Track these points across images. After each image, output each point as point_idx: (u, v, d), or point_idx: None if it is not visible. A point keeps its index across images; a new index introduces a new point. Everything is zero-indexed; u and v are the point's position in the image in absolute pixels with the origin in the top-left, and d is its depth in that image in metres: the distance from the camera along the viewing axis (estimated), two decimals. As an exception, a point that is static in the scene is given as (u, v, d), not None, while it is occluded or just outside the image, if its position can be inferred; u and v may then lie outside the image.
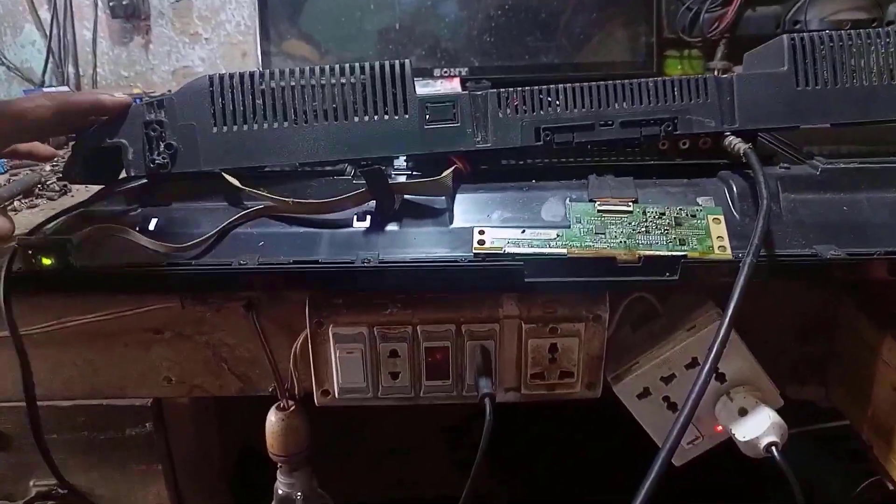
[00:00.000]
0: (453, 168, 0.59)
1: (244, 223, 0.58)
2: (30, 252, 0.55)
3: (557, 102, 0.60)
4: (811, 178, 0.60)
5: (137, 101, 0.60)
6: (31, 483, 0.70)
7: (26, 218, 0.69)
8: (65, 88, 1.18)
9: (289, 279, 0.56)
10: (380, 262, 0.55)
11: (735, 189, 0.58)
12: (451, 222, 0.58)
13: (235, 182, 0.59)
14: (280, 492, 0.69)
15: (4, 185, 0.79)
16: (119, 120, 0.59)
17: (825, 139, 0.66)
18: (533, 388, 0.63)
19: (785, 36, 0.60)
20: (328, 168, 0.63)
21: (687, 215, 0.57)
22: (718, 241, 0.55)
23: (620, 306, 0.62)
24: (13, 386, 0.59)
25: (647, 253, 0.55)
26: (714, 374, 0.51)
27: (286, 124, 0.59)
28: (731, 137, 0.60)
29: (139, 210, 0.61)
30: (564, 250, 0.55)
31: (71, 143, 0.64)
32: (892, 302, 0.61)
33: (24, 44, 1.22)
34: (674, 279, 0.54)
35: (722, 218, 0.56)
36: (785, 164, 0.62)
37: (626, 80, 0.60)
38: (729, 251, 0.54)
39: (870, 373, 0.62)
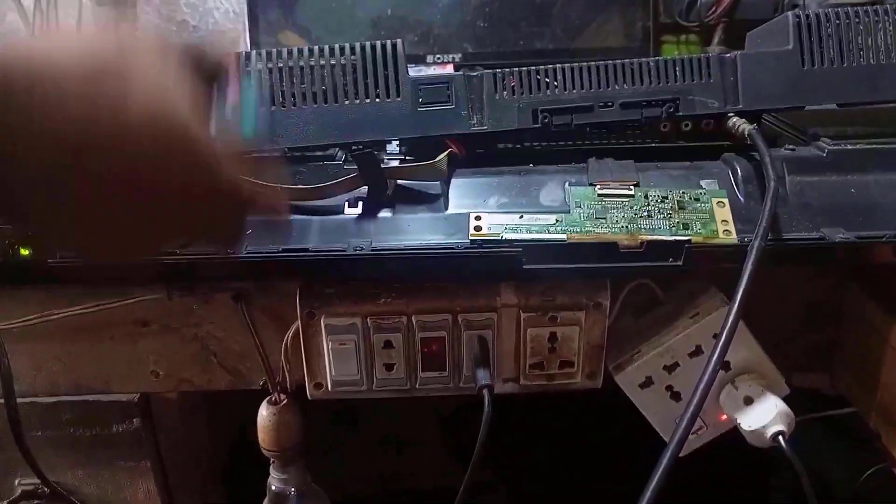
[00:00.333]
0: (448, 152, 0.57)
1: (231, 211, 0.56)
2: (7, 242, 0.53)
3: (556, 83, 0.58)
4: (818, 159, 0.58)
5: None
6: (16, 482, 0.69)
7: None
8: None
9: (278, 268, 0.54)
10: (373, 250, 0.53)
11: (739, 171, 0.56)
12: (447, 208, 0.56)
13: (222, 168, 0.56)
14: (273, 487, 0.67)
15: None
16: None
17: (830, 120, 0.64)
18: (532, 379, 0.61)
19: (790, 13, 0.58)
20: (318, 153, 0.61)
21: (690, 199, 0.55)
22: (723, 224, 0.53)
23: (622, 293, 0.61)
24: (-7, 382, 0.57)
25: (650, 238, 0.53)
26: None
27: (274, 107, 0.57)
28: (735, 118, 0.58)
29: (122, 198, 0.58)
30: (564, 236, 0.53)
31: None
32: (901, 286, 0.60)
33: (5, 33, 1.19)
34: (677, 264, 0.53)
35: (726, 201, 0.54)
36: (790, 146, 0.60)
37: (627, 60, 0.58)
38: (734, 235, 0.53)
39: (878, 359, 0.60)
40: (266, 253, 0.53)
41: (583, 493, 1.11)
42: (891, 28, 0.58)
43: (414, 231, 0.55)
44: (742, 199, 0.56)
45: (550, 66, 0.58)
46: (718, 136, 0.60)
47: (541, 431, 1.13)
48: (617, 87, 0.58)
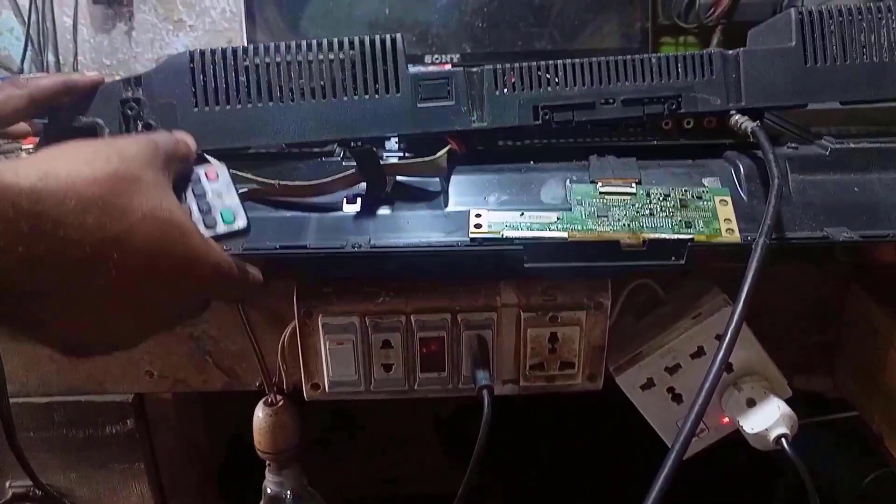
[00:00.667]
0: (448, 148, 0.56)
1: (228, 207, 0.55)
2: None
3: (556, 80, 0.57)
4: (820, 158, 0.57)
5: None
6: (8, 484, 0.68)
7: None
8: (42, 75, 1.14)
9: (275, 266, 0.53)
10: (371, 248, 0.52)
11: (742, 169, 0.56)
12: (446, 205, 0.55)
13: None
14: (269, 490, 0.66)
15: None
16: (90, 97, 0.55)
17: (833, 119, 0.64)
18: (532, 380, 0.60)
19: (792, 10, 0.58)
20: (316, 149, 0.60)
21: (692, 197, 0.54)
22: (726, 223, 0.53)
23: (623, 293, 0.60)
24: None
25: (652, 236, 0.52)
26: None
27: (271, 103, 0.56)
28: (738, 116, 0.57)
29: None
30: (565, 234, 0.52)
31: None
32: (905, 287, 0.59)
33: (1, 31, 1.18)
34: (680, 263, 0.52)
35: (729, 199, 0.54)
36: (793, 144, 0.59)
37: (629, 57, 0.57)
38: (737, 234, 0.52)
39: (881, 362, 0.60)
40: (263, 250, 0.52)
41: (583, 496, 1.10)
42: (894, 25, 0.57)
43: (413, 228, 0.54)
44: (745, 197, 0.55)
45: (551, 62, 0.57)
46: (721, 134, 0.60)
47: (540, 433, 1.13)
48: (619, 83, 0.57)
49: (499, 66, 0.57)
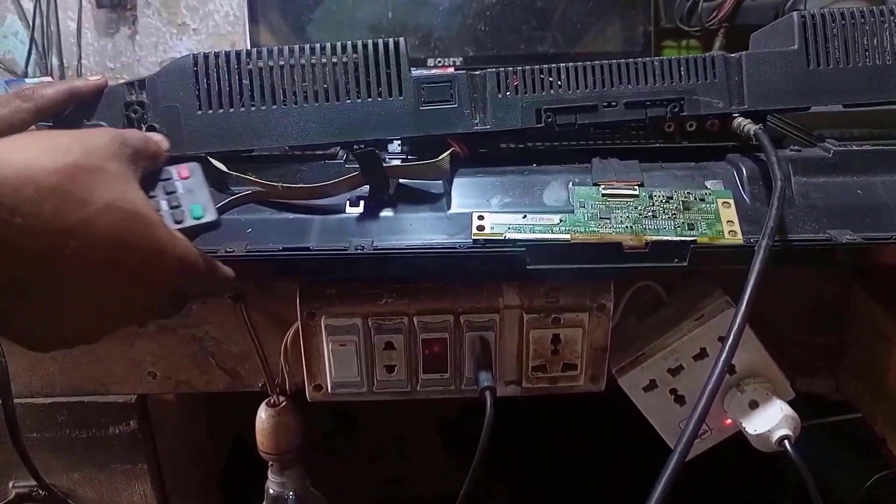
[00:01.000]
0: (450, 151, 0.57)
1: (231, 209, 0.55)
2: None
3: (559, 83, 0.57)
4: (823, 160, 0.57)
5: None
6: (11, 484, 0.68)
7: None
8: (47, 79, 1.14)
9: (278, 267, 0.53)
10: (374, 249, 0.52)
11: (745, 172, 0.56)
12: (449, 207, 0.55)
13: (221, 166, 0.56)
14: (271, 491, 0.66)
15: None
16: (95, 100, 0.56)
17: (836, 122, 0.64)
18: (534, 382, 0.60)
19: (795, 13, 0.58)
20: (319, 151, 0.60)
21: (695, 199, 0.54)
22: (729, 225, 0.53)
23: (625, 295, 0.60)
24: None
25: (655, 238, 0.52)
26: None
27: (275, 106, 0.56)
28: (740, 118, 0.58)
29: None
30: (568, 236, 0.52)
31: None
32: (907, 289, 0.59)
33: (6, 34, 1.19)
34: (682, 265, 0.52)
35: (732, 202, 0.54)
36: (795, 147, 0.59)
37: (631, 60, 0.57)
38: (740, 236, 0.52)
39: (884, 364, 0.60)
40: (266, 252, 0.52)
41: (586, 497, 1.10)
42: (896, 29, 0.57)
43: (416, 230, 0.54)
44: (748, 199, 0.55)
45: (554, 65, 0.57)
46: (723, 137, 0.60)
47: (543, 435, 1.13)
48: (621, 86, 0.57)
49: (501, 69, 0.57)
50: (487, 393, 0.56)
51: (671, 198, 0.54)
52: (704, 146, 0.60)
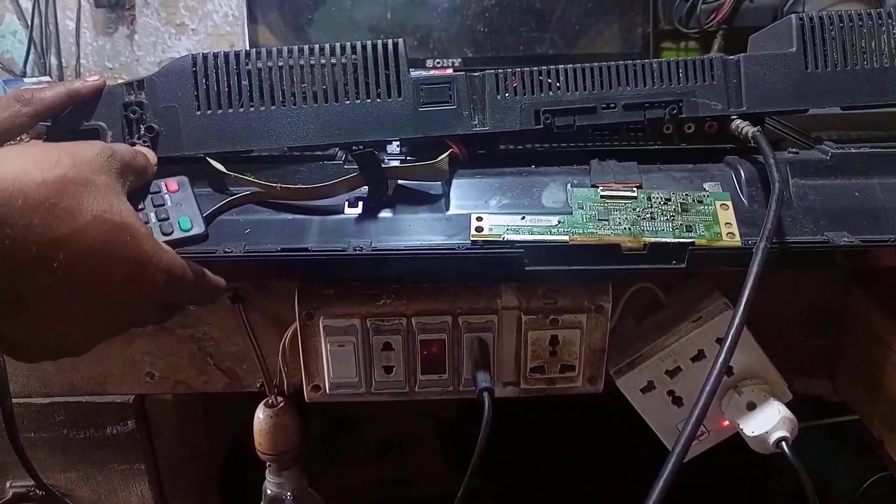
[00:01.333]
0: (449, 152, 0.57)
1: (229, 210, 0.55)
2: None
3: (558, 84, 0.57)
4: (821, 162, 0.57)
5: None
6: (8, 484, 0.68)
7: None
8: (46, 79, 1.14)
9: (277, 268, 0.53)
10: (372, 250, 0.52)
11: (743, 174, 0.56)
12: (448, 209, 0.55)
13: (220, 167, 0.56)
14: (269, 491, 0.66)
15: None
16: (93, 101, 0.56)
17: (833, 124, 0.64)
18: (533, 383, 0.61)
19: (793, 16, 0.58)
20: (318, 152, 0.60)
21: (693, 201, 0.54)
22: (727, 227, 0.53)
23: (623, 297, 0.60)
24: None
25: (653, 240, 0.52)
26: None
27: (273, 107, 0.56)
28: (738, 121, 0.58)
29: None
30: (566, 237, 0.52)
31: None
32: (905, 292, 0.59)
33: (4, 34, 1.18)
34: (681, 267, 0.52)
35: (730, 203, 0.54)
36: (794, 149, 0.59)
37: (630, 62, 0.57)
38: (738, 238, 0.52)
39: (881, 366, 0.60)
40: (265, 252, 0.52)
41: (584, 498, 1.10)
42: (894, 31, 0.57)
43: (414, 231, 0.54)
44: (746, 201, 0.55)
45: (553, 67, 0.57)
46: (722, 139, 0.60)
47: (541, 436, 1.13)
48: (620, 88, 0.57)
49: (500, 70, 0.57)
50: (485, 394, 0.56)
51: (669, 199, 0.54)
52: (703, 148, 0.60)
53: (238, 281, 0.59)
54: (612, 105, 0.57)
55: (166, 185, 0.45)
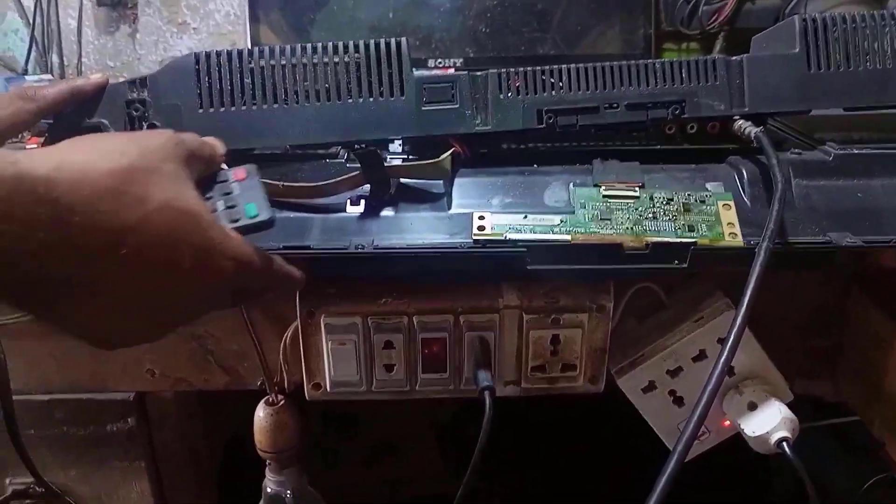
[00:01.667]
0: (451, 151, 0.57)
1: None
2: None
3: (561, 84, 0.57)
4: (824, 163, 0.57)
5: None
6: (8, 481, 0.68)
7: None
8: (47, 77, 1.14)
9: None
10: (374, 249, 0.52)
11: (745, 174, 0.56)
12: (450, 207, 0.55)
13: (223, 165, 0.56)
14: (269, 489, 0.66)
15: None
16: (96, 99, 0.56)
17: (836, 125, 0.64)
18: (534, 382, 0.61)
19: (796, 17, 0.58)
20: (320, 151, 0.60)
21: (696, 201, 0.54)
22: (729, 227, 0.53)
23: (625, 296, 0.60)
24: (-13, 379, 0.56)
25: (655, 240, 0.52)
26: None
27: (276, 105, 0.56)
28: (741, 121, 0.58)
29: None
30: (568, 236, 0.52)
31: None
32: (905, 293, 0.59)
33: (6, 32, 1.18)
34: (683, 267, 0.52)
35: (732, 204, 0.54)
36: (796, 150, 0.59)
37: (633, 62, 0.57)
38: (740, 238, 0.52)
39: (882, 366, 0.60)
40: (267, 250, 0.52)
41: (584, 498, 1.10)
42: (898, 33, 0.57)
43: (416, 230, 0.54)
44: (748, 202, 0.55)
45: (556, 66, 0.57)
46: (724, 139, 0.60)
47: (542, 435, 1.13)
48: (622, 88, 0.57)
49: (503, 70, 0.57)
50: (486, 393, 0.56)
51: (672, 199, 0.54)
52: (705, 148, 0.60)
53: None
54: (615, 105, 0.57)
55: (235, 174, 0.46)
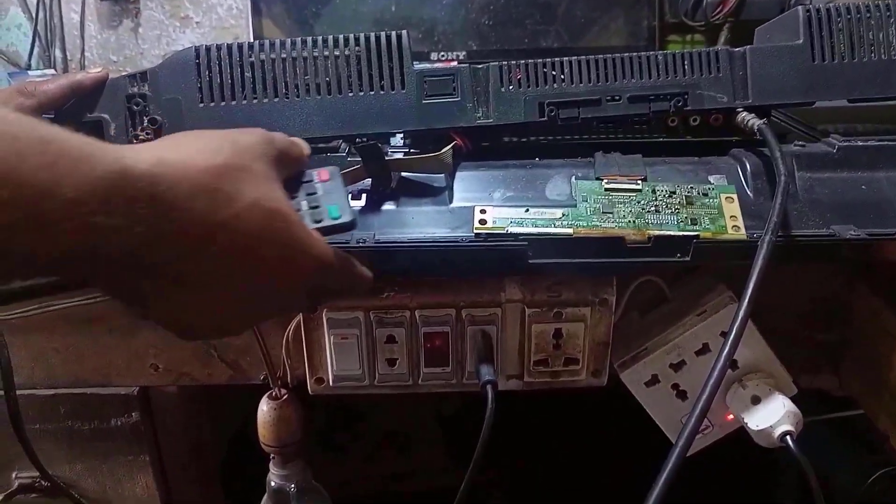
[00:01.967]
0: (453, 144, 0.56)
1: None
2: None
3: (562, 76, 0.57)
4: (828, 155, 0.57)
5: None
6: (14, 475, 0.68)
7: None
8: (50, 72, 1.14)
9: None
10: (376, 243, 0.52)
11: (749, 167, 0.56)
12: (451, 201, 0.55)
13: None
14: (273, 483, 0.66)
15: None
16: (96, 93, 0.56)
17: (840, 117, 0.63)
18: (536, 376, 0.60)
19: (800, 8, 0.57)
20: (321, 144, 0.60)
21: (699, 194, 0.54)
22: (732, 220, 0.52)
23: (628, 290, 0.60)
24: (-9, 374, 0.57)
25: (658, 233, 0.52)
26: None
27: (277, 98, 0.56)
28: (744, 113, 0.57)
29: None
30: (570, 230, 0.52)
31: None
32: (911, 285, 0.59)
33: (9, 27, 1.18)
34: (685, 260, 0.52)
35: (735, 197, 0.54)
36: (800, 142, 0.59)
37: (635, 54, 0.57)
38: (743, 231, 0.52)
39: (887, 360, 0.59)
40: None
41: (587, 491, 1.10)
42: (903, 24, 0.57)
43: (418, 224, 0.54)
44: (751, 194, 0.55)
45: (557, 59, 0.57)
46: (727, 131, 0.60)
47: (544, 429, 1.13)
48: (625, 80, 0.57)
49: (505, 62, 0.57)
50: (489, 387, 0.56)
51: (674, 192, 0.54)
52: (708, 141, 0.60)
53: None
54: (617, 97, 0.57)
55: (318, 175, 0.46)
